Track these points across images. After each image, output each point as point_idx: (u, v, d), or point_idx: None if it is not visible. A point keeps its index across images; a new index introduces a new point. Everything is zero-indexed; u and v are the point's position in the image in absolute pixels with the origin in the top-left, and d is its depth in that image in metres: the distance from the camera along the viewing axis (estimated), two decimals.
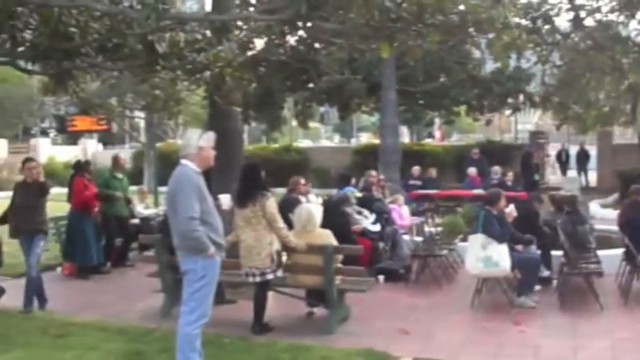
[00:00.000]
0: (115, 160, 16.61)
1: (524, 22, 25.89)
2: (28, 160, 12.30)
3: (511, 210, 12.42)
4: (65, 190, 16.23)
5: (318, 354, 8.94)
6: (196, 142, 7.89)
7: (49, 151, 50.99)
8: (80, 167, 15.58)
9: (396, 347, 9.35)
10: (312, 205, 11.61)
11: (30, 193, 11.73)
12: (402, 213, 16.22)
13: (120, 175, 16.35)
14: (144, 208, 18.09)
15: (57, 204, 16.49)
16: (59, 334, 9.95)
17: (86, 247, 14.78)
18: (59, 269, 15.40)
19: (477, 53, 32.72)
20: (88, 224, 14.99)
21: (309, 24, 12.23)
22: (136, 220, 17.28)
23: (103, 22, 10.75)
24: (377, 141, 34.93)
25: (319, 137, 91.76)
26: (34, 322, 10.67)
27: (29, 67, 11.84)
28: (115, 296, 12.84)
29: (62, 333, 10.03)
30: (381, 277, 13.48)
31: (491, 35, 11.12)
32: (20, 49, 10.13)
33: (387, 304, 12.03)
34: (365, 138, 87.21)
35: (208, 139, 8.01)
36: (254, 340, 9.72)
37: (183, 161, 7.90)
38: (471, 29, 10.46)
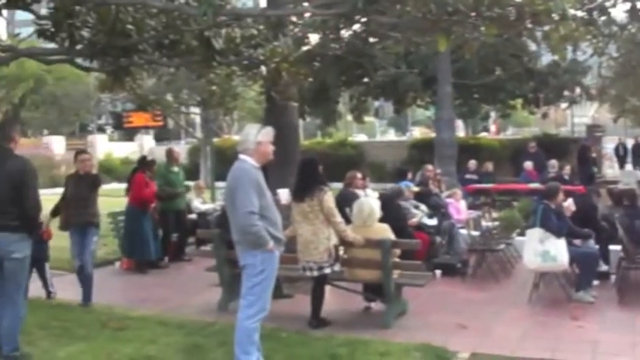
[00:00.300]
0: (169, 153, 16.69)
1: (579, 13, 25.61)
2: (80, 152, 12.38)
3: (569, 204, 12.32)
4: (122, 186, 16.39)
5: (375, 349, 8.91)
6: (255, 138, 7.91)
7: (106, 147, 51.56)
8: (144, 164, 15.70)
9: (453, 342, 9.32)
10: (372, 200, 11.59)
11: (82, 185, 11.69)
12: (459, 207, 16.13)
13: (176, 169, 16.44)
14: (201, 203, 18.15)
15: (115, 199, 16.69)
16: (119, 328, 10.04)
17: (144, 242, 14.89)
18: (117, 264, 15.60)
19: (532, 46, 32.47)
20: (146, 219, 15.09)
21: (365, 18, 12.18)
22: (193, 215, 17.38)
23: (160, 18, 10.81)
24: (430, 135, 34.79)
25: (374, 132, 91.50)
26: (94, 316, 10.77)
27: (87, 64, 11.95)
28: (173, 290, 12.94)
29: (121, 326, 10.12)
30: (438, 272, 13.42)
31: (547, 27, 11.02)
32: (78, 47, 10.21)
33: (444, 298, 11.99)
34: (417, 132, 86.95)
35: (267, 134, 8.03)
36: (311, 334, 9.74)
37: (242, 156, 7.93)
38: (528, 21, 10.36)
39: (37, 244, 10.42)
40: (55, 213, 12.05)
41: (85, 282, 11.66)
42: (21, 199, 8.12)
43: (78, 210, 11.51)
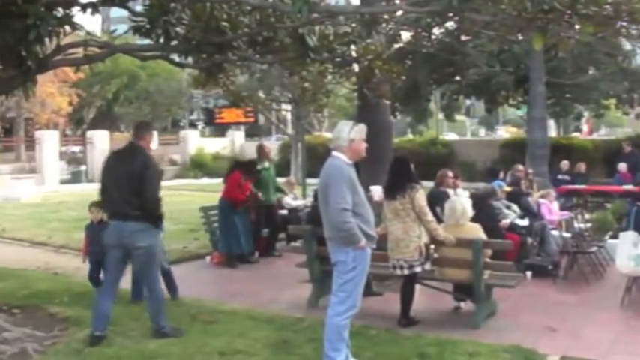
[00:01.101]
0: (260, 149, 16.83)
1: None
2: None
3: None
4: (214, 181, 16.59)
5: (464, 349, 8.86)
6: (348, 135, 7.93)
7: (198, 142, 52.07)
8: (242, 164, 15.86)
9: (543, 344, 9.21)
10: (464, 199, 11.52)
11: None
12: (551, 208, 15.92)
13: (267, 165, 16.57)
14: (292, 199, 18.23)
15: (206, 194, 16.88)
16: (209, 321, 10.17)
17: (235, 236, 14.99)
18: (208, 258, 15.77)
19: (627, 45, 31.87)
20: (238, 214, 15.21)
21: (459, 16, 12.11)
22: (283, 211, 17.47)
23: (253, 16, 10.88)
24: (517, 134, 34.33)
25: (464, 130, 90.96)
26: (184, 309, 10.91)
27: (181, 60, 12.09)
28: (263, 285, 13.02)
29: (212, 320, 10.24)
30: (529, 273, 13.26)
31: None
32: (173, 43, 10.34)
33: (534, 300, 11.84)
34: (504, 131, 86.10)
35: (360, 131, 8.03)
36: (401, 332, 9.71)
37: (335, 153, 7.95)
38: (625, 20, 10.19)
39: (95, 246, 11.09)
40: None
41: (165, 279, 11.28)
42: (142, 194, 8.95)
43: None
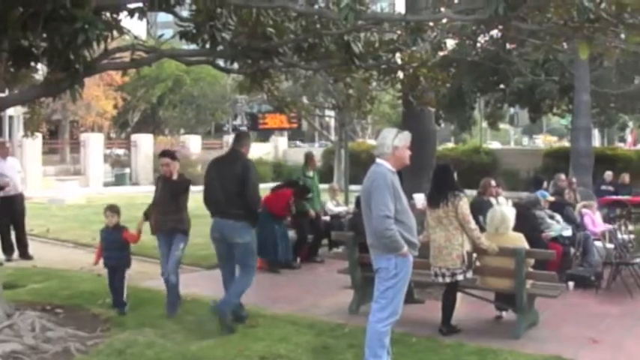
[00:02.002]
0: (309, 158, 16.90)
1: None
2: (162, 153, 11.58)
3: None
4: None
5: (504, 358, 8.83)
6: (392, 142, 7.94)
7: None
8: (296, 186, 16.11)
9: (584, 356, 9.17)
10: (506, 208, 11.47)
11: (165, 190, 10.94)
12: (594, 219, 15.80)
13: (311, 173, 16.66)
14: (334, 205, 18.25)
15: None
16: (250, 325, 10.22)
17: (272, 244, 14.98)
18: None
19: None
20: (277, 223, 15.26)
21: (505, 24, 12.07)
22: (326, 217, 17.46)
23: (299, 22, 10.92)
24: (554, 143, 34.05)
25: (508, 139, 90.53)
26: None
27: (227, 66, 12.14)
28: (305, 291, 13.04)
29: (252, 324, 10.29)
30: (571, 284, 13.18)
31: None
32: (219, 48, 10.40)
33: (576, 311, 11.76)
34: (541, 140, 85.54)
35: (404, 138, 8.03)
36: (441, 340, 9.67)
37: (379, 160, 7.98)
38: None
39: (117, 252, 10.95)
40: (147, 215, 11.27)
41: (170, 290, 10.90)
42: (244, 193, 10.13)
43: (163, 215, 10.86)
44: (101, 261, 11.23)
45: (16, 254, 16.15)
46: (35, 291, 12.16)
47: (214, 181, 10.48)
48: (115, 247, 10.85)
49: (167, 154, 11.37)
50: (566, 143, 42.95)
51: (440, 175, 10.25)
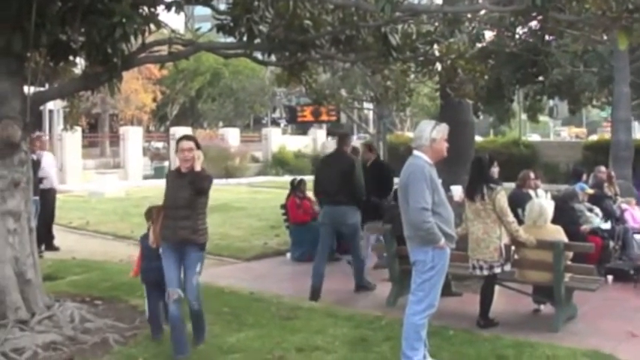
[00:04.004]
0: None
1: None
2: (181, 138, 8.85)
3: None
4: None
5: (542, 352, 8.77)
6: (429, 134, 7.92)
7: (280, 140, 52.42)
8: (294, 186, 16.55)
9: (623, 350, 9.10)
10: (544, 200, 11.41)
11: (180, 187, 8.54)
12: (634, 215, 15.64)
13: None
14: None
15: (287, 191, 16.93)
16: (287, 317, 10.23)
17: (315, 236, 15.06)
18: (289, 255, 15.85)
19: None
20: (309, 230, 15.39)
21: (543, 15, 11.99)
22: None
23: (336, 14, 10.91)
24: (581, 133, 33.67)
25: (547, 131, 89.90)
26: (264, 305, 10.98)
27: (265, 59, 12.18)
28: (342, 283, 12.98)
29: (290, 316, 10.30)
30: (610, 277, 13.06)
31: None
32: (257, 41, 10.41)
33: (614, 304, 11.67)
34: (566, 132, 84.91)
35: (441, 130, 8.01)
36: (479, 333, 9.66)
37: (416, 152, 7.96)
38: None
39: (153, 262, 8.87)
40: (149, 215, 9.18)
41: (195, 321, 8.88)
42: (351, 184, 12.05)
43: (173, 221, 8.53)
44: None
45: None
46: (75, 283, 12.28)
47: (324, 175, 12.58)
48: (158, 256, 8.73)
49: (190, 138, 8.95)
50: (606, 135, 42.51)
51: (478, 168, 10.23)
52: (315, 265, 12.20)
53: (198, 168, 8.43)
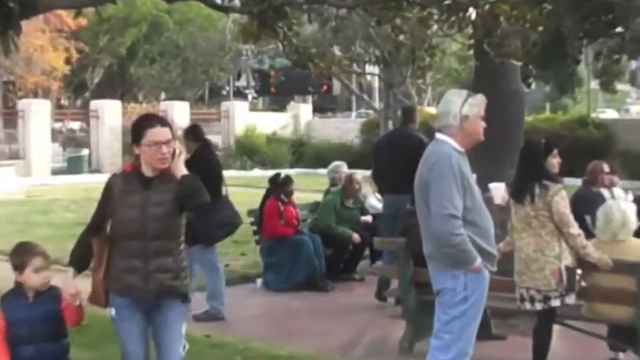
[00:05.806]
0: (349, 182, 16.71)
1: None
2: (151, 122, 7.46)
3: None
4: (267, 174, 16.72)
5: None
6: (459, 110, 7.87)
7: (247, 119, 52.02)
8: (276, 184, 16.14)
9: None
10: (624, 203, 11.42)
11: (150, 204, 7.29)
12: None
13: (351, 204, 16.78)
14: (378, 200, 18.04)
15: (257, 191, 16.95)
16: None
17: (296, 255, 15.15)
18: (259, 281, 15.88)
19: None
20: (286, 248, 15.58)
21: None
22: (367, 217, 17.27)
23: None
24: None
25: (627, 105, 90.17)
26: (225, 353, 11.08)
27: (225, 2, 12.20)
28: (336, 322, 13.02)
29: None
30: None
31: None
32: None
33: None
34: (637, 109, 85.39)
35: (477, 104, 7.98)
36: None
37: (440, 136, 7.94)
38: None
39: (47, 344, 7.30)
40: (79, 260, 7.67)
41: None
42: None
43: (140, 261, 7.25)
44: None
45: None
46: None
47: (386, 158, 14.09)
48: (44, 333, 7.28)
49: (164, 122, 7.54)
50: None
51: (525, 157, 10.18)
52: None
53: (183, 170, 7.32)
